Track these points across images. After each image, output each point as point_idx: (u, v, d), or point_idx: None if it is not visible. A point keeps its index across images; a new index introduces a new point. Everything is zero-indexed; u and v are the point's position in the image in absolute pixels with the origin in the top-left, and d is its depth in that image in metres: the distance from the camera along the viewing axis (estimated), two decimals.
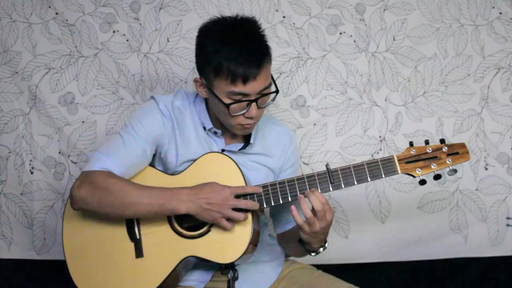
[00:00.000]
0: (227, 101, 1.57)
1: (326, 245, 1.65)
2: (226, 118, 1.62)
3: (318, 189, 1.56)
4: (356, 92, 2.25)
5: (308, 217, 1.51)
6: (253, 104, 1.57)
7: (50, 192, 2.28)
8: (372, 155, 2.25)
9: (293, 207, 1.52)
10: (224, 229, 1.57)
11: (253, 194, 1.59)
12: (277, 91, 1.63)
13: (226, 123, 1.66)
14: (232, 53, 1.51)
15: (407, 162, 1.56)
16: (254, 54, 1.53)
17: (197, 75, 1.67)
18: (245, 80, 1.53)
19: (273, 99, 1.64)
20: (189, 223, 1.65)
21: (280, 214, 1.80)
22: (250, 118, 1.60)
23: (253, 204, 1.57)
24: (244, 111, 1.59)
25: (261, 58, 1.54)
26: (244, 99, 1.56)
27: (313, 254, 1.66)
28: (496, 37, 2.27)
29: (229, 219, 1.57)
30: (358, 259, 2.27)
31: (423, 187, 1.65)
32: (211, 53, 1.55)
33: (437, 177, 1.57)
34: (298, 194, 1.56)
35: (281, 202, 1.58)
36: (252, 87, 1.54)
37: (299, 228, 1.55)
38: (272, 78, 1.62)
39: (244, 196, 1.59)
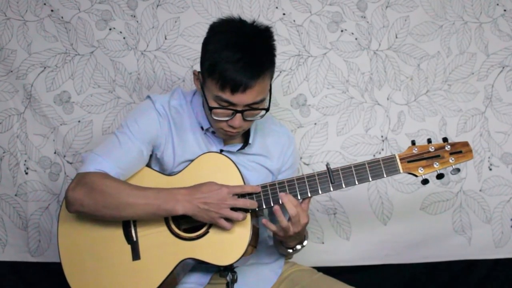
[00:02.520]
0: (213, 104, 1.56)
1: (304, 243, 1.71)
2: (210, 118, 1.62)
3: (318, 190, 1.57)
4: (357, 91, 2.25)
5: (284, 226, 1.54)
6: (238, 114, 1.56)
7: (45, 193, 2.28)
8: (374, 155, 2.24)
9: (264, 220, 1.55)
10: (224, 229, 1.57)
11: (252, 193, 1.59)
12: (267, 109, 1.60)
13: (210, 122, 1.66)
14: (230, 58, 1.50)
15: (409, 161, 1.56)
16: (252, 66, 1.51)
17: (193, 74, 1.67)
18: (233, 90, 1.51)
19: (262, 116, 1.62)
20: (187, 225, 1.65)
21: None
22: (233, 127, 1.59)
23: (251, 203, 1.57)
24: (227, 119, 1.58)
25: (258, 72, 1.52)
26: (230, 107, 1.55)
27: (290, 250, 1.71)
28: (501, 34, 2.27)
29: (228, 219, 1.56)
30: (359, 261, 2.27)
31: (426, 188, 1.65)
32: (211, 51, 1.54)
33: (440, 176, 1.57)
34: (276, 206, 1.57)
35: (280, 202, 1.58)
36: (240, 99, 1.53)
37: (273, 234, 1.60)
38: (270, 92, 1.60)
39: (242, 195, 1.59)
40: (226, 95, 1.52)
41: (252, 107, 1.56)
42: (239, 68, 1.49)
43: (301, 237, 1.66)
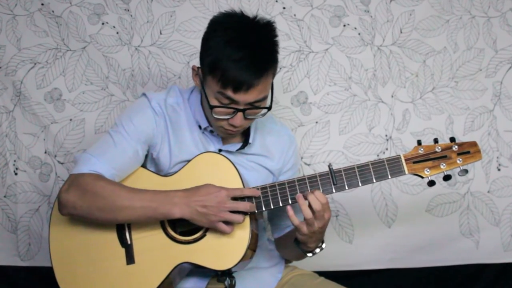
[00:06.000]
0: (214, 102, 1.56)
1: (323, 245, 1.66)
2: (210, 116, 1.62)
3: (320, 191, 1.56)
4: (360, 88, 2.26)
5: (308, 218, 1.52)
6: (239, 113, 1.56)
7: (35, 194, 2.28)
8: (377, 155, 2.25)
9: (289, 207, 1.53)
10: (223, 233, 1.57)
11: (251, 196, 1.59)
12: (269, 108, 1.61)
13: (210, 121, 1.66)
14: (233, 55, 1.50)
15: (414, 162, 1.56)
16: (255, 65, 1.51)
17: (191, 70, 1.67)
18: (236, 89, 1.51)
19: (263, 115, 1.63)
20: (183, 228, 1.65)
21: (279, 218, 1.80)
22: (233, 125, 1.60)
23: (251, 206, 1.57)
24: (228, 117, 1.58)
25: (261, 70, 1.52)
26: (231, 105, 1.55)
27: (309, 254, 1.67)
28: (510, 29, 2.27)
29: (227, 222, 1.57)
30: (362, 266, 2.28)
31: (432, 189, 1.65)
32: (212, 47, 1.54)
33: (446, 177, 1.57)
34: (298, 193, 1.55)
35: (280, 205, 1.58)
36: (242, 98, 1.53)
37: (296, 229, 1.56)
38: (272, 90, 1.61)
39: (241, 198, 1.59)
40: (228, 93, 1.53)
41: (254, 105, 1.57)
42: (241, 67, 1.50)
43: (322, 235, 1.62)
